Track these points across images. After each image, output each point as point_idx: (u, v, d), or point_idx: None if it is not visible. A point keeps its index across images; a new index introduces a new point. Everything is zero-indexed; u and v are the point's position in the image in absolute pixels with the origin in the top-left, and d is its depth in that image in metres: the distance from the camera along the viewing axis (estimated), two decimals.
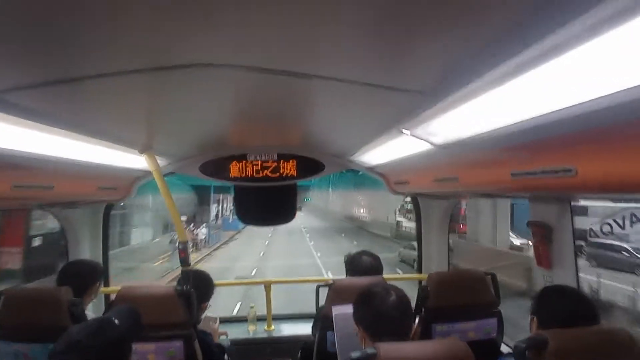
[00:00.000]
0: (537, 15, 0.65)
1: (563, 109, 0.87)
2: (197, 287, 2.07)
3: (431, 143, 1.44)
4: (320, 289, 2.24)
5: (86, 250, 2.80)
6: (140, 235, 19.08)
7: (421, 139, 1.44)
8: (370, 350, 1.11)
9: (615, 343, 1.12)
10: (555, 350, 1.09)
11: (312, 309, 2.35)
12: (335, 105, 1.46)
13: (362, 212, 37.09)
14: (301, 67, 1.04)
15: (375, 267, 2.34)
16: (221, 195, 30.68)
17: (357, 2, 0.68)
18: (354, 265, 2.34)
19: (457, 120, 1.18)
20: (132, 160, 2.21)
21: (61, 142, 1.52)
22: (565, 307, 1.36)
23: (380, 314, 1.37)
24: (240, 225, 30.21)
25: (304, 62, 1.01)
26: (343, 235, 28.98)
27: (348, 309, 1.76)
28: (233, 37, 0.84)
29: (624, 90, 0.70)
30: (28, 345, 1.61)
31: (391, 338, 1.28)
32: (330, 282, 2.04)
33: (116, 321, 1.28)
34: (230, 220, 31.51)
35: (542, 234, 1.76)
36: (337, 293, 1.96)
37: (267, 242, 24.80)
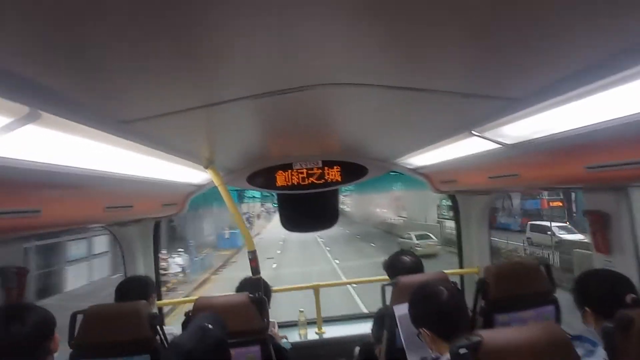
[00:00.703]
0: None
1: None
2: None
3: (500, 143, 1.53)
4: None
5: (140, 264, 2.92)
6: (85, 272, 13.77)
7: (490, 140, 1.53)
8: (475, 339, 1.20)
9: None
10: None
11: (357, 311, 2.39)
12: (395, 113, 1.56)
13: (389, 213, 32.81)
14: (359, 78, 1.14)
15: (417, 265, 2.41)
16: (214, 207, 23.39)
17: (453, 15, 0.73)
18: (394, 266, 2.39)
19: (534, 123, 1.27)
20: (190, 176, 2.33)
21: (147, 161, 1.62)
22: (610, 289, 1.47)
23: (441, 312, 1.44)
24: (240, 242, 23.83)
25: (361, 72, 1.10)
26: (373, 244, 22.91)
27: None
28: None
29: None
30: None
31: (458, 331, 1.35)
32: (394, 280, 2.12)
33: (210, 326, 1.39)
34: (227, 236, 25.62)
35: (600, 222, 1.85)
36: (401, 291, 2.04)
37: (274, 264, 18.85)
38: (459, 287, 3.29)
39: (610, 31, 0.75)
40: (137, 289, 2.11)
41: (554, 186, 1.79)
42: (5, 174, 1.00)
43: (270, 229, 32.90)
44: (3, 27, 0.58)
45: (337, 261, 18.27)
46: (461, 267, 3.23)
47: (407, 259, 2.43)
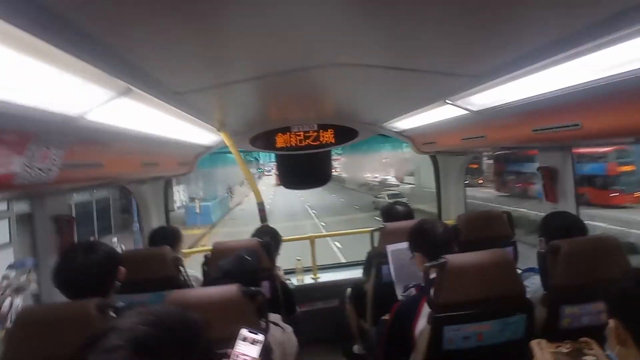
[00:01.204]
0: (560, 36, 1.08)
1: (575, 85, 1.31)
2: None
3: (468, 110, 1.87)
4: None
5: (154, 219, 3.25)
6: None
7: (460, 108, 1.87)
8: (442, 260, 1.59)
9: (606, 246, 1.61)
10: (565, 252, 1.58)
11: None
12: (383, 87, 1.87)
13: (393, 179, 30.71)
14: (352, 59, 1.42)
15: (408, 213, 2.81)
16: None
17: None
18: (390, 214, 2.79)
19: (494, 94, 1.60)
20: (200, 137, 2.62)
21: (175, 124, 1.91)
22: (561, 224, 1.84)
23: (435, 241, 1.81)
24: (214, 217, 21.09)
25: (356, 54, 1.38)
26: (377, 218, 16.69)
27: (399, 245, 2.24)
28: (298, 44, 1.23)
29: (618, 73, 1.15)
30: (144, 295, 1.97)
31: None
32: (382, 226, 2.52)
33: (247, 257, 1.77)
34: (198, 210, 20.15)
35: (550, 176, 2.24)
36: (387, 235, 2.44)
37: None
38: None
39: (550, 22, 1.03)
40: (167, 237, 2.46)
41: (513, 146, 2.15)
42: (80, 133, 1.30)
43: (253, 197, 29.51)
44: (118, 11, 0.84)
45: (338, 244, 13.65)
46: (440, 217, 3.66)
47: (400, 208, 2.83)
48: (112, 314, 1.35)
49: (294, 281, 3.56)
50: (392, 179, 31.44)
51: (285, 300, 2.47)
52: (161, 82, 1.24)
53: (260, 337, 1.09)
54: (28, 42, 0.74)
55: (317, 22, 1.06)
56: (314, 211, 22.69)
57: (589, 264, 1.58)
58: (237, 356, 1.06)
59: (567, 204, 2.22)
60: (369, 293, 2.58)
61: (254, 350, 1.07)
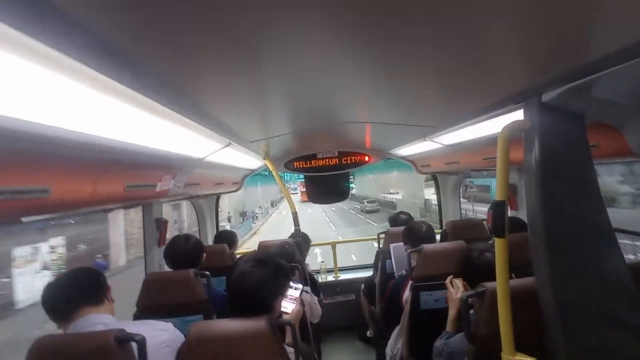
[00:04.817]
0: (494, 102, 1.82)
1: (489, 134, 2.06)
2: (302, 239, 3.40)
3: (442, 144, 2.65)
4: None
5: (209, 225, 4.12)
6: None
7: (437, 143, 2.65)
8: (419, 248, 2.35)
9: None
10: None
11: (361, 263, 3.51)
12: (382, 131, 2.68)
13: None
14: (364, 119, 2.24)
15: (409, 220, 3.60)
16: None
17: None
18: (395, 221, 3.60)
19: (455, 135, 2.37)
20: (248, 162, 3.49)
21: (240, 157, 2.78)
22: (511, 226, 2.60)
23: (420, 236, 2.60)
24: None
25: (365, 116, 2.20)
26: None
27: (398, 244, 3.02)
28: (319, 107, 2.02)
29: None
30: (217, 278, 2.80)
31: None
32: (386, 230, 3.30)
33: (287, 246, 2.59)
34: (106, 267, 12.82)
35: (512, 190, 2.97)
36: (391, 236, 3.21)
37: None
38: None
39: (486, 92, 1.73)
40: (228, 238, 3.31)
41: (477, 169, 2.89)
42: (196, 167, 2.17)
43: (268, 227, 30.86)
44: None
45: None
46: (441, 226, 4.36)
47: (403, 216, 3.63)
48: (201, 278, 2.14)
49: (319, 279, 4.35)
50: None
51: (311, 287, 3.26)
52: (245, 137, 2.10)
53: (300, 285, 1.89)
54: (178, 118, 1.54)
55: (338, 94, 1.64)
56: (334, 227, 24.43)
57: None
58: (287, 295, 1.86)
59: (524, 211, 2.94)
60: (377, 282, 3.33)
61: (297, 293, 1.86)
